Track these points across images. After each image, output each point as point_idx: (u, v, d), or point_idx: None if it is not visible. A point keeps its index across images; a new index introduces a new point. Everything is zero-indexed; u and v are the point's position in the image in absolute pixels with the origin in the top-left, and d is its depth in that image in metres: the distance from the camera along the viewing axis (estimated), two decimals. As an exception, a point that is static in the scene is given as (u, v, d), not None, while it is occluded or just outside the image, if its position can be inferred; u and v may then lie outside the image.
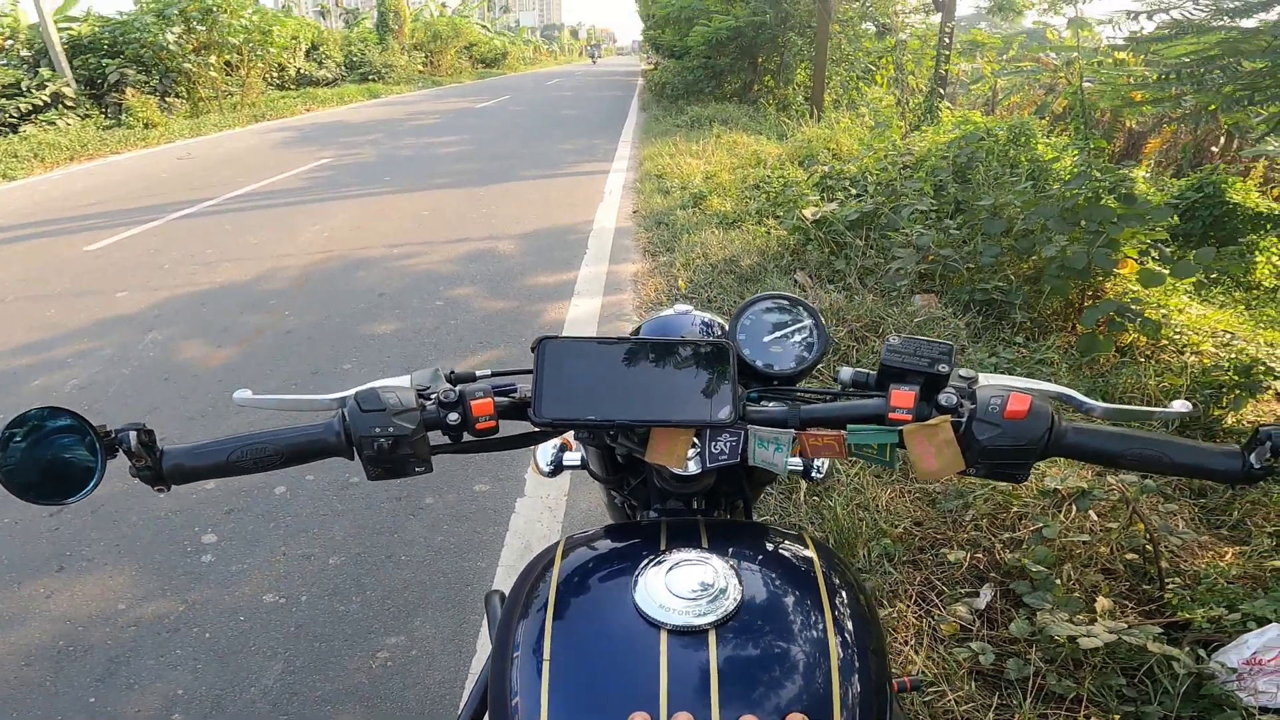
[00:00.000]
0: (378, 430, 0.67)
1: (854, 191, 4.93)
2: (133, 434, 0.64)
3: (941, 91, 9.07)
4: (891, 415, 0.69)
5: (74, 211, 6.64)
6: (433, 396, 0.72)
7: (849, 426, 0.70)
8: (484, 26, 36.30)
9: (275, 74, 17.33)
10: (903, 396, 0.69)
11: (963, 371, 0.72)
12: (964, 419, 0.67)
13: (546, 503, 2.44)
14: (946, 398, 0.69)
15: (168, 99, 13.06)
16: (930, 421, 0.68)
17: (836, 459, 0.74)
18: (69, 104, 11.37)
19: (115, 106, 12.00)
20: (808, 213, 4.36)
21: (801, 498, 2.24)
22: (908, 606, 1.81)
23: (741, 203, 5.73)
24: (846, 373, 0.78)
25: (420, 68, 25.07)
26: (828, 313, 3.49)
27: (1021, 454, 0.65)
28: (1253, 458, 0.62)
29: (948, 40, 8.70)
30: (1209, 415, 2.59)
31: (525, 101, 15.59)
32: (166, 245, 5.48)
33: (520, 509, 2.42)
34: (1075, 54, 6.31)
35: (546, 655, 0.61)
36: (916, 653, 1.67)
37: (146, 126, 11.59)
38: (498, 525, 2.35)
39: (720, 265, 4.39)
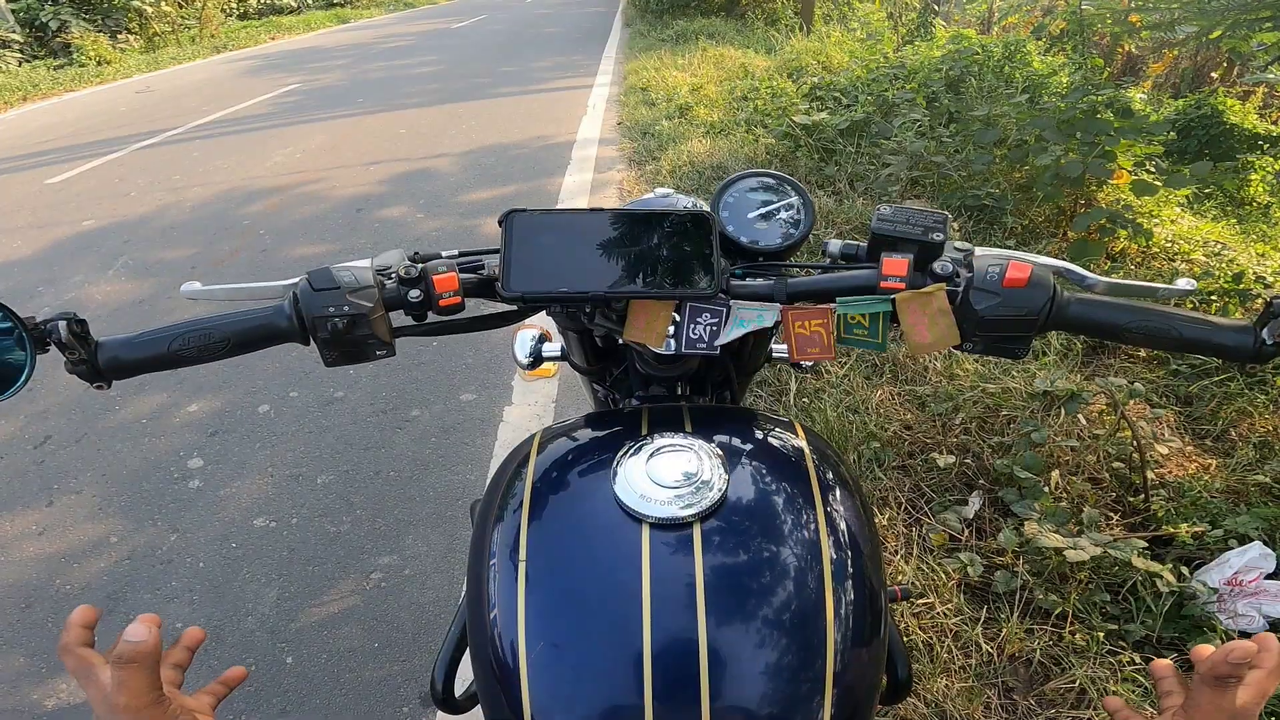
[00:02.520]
0: (331, 310, 0.63)
1: (844, 102, 4.80)
2: (62, 324, 0.59)
3: (935, 8, 8.74)
4: (883, 284, 0.65)
5: (32, 148, 6.34)
6: (393, 274, 0.67)
7: (839, 298, 0.66)
8: (456, -60, 34.13)
9: (235, 4, 16.56)
10: (895, 264, 0.65)
11: (958, 244, 0.68)
12: (960, 288, 0.63)
13: (535, 410, 2.42)
14: (942, 266, 0.65)
15: (119, 35, 12.40)
16: (925, 289, 0.64)
17: (826, 359, 0.69)
18: (16, 49, 10.83)
19: (64, 47, 11.41)
20: (798, 118, 4.24)
21: (791, 399, 2.23)
22: (898, 514, 1.82)
23: (729, 113, 5.56)
24: (835, 245, 0.74)
25: (391, -11, 23.82)
26: (818, 216, 3.45)
27: (1021, 325, 0.62)
28: (1265, 333, 0.58)
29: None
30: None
31: (504, 20, 14.86)
32: (131, 174, 5.28)
33: (508, 418, 2.41)
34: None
35: (523, 557, 0.58)
36: (906, 562, 1.68)
37: (99, 64, 11.07)
38: (485, 435, 2.33)
39: (708, 172, 4.28)
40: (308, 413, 2.47)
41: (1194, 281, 0.69)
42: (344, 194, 4.60)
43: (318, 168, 5.18)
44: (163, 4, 13.05)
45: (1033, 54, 5.56)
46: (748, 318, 0.67)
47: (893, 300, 0.64)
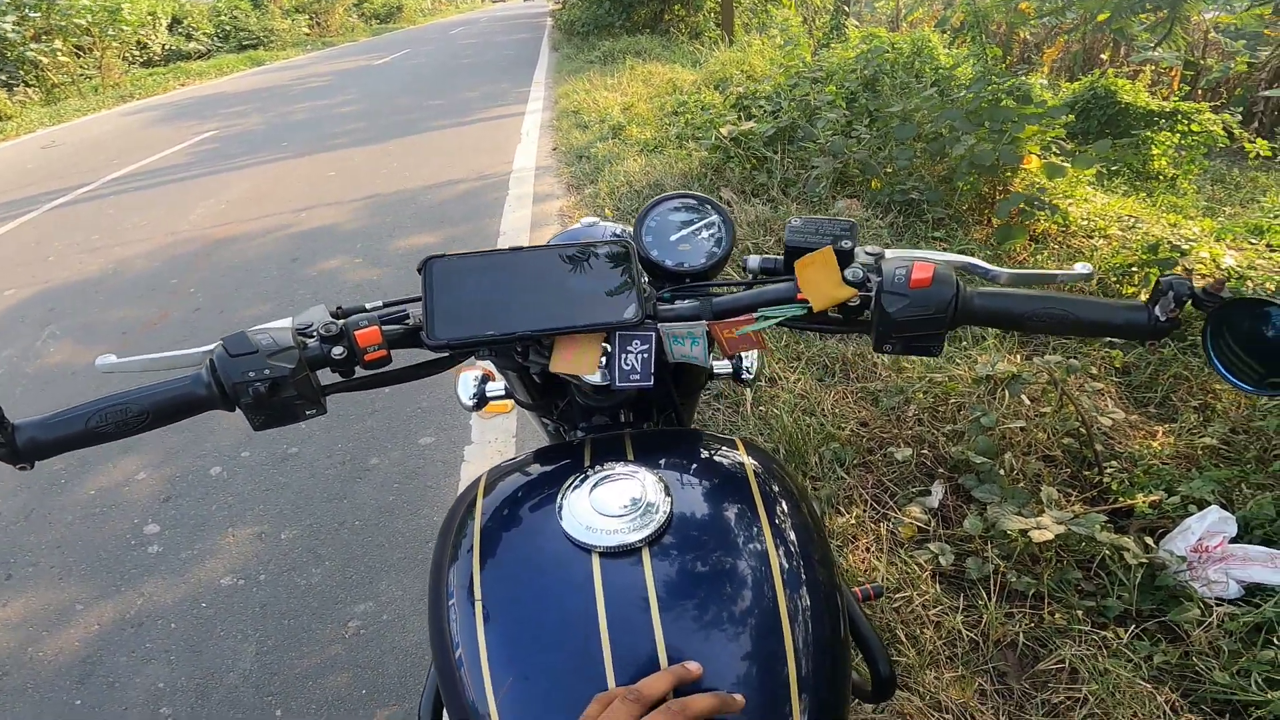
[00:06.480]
0: (251, 375, 0.62)
1: (769, 109, 4.93)
2: None
3: (846, 10, 9.07)
4: (800, 296, 0.69)
5: (-65, 214, 6.00)
6: (314, 332, 0.67)
7: (760, 310, 0.69)
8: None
9: (137, 52, 16.02)
10: None
11: (869, 248, 0.71)
12: (872, 293, 0.67)
13: (496, 446, 2.41)
14: (853, 272, 0.68)
15: (15, 88, 11.90)
16: (813, 252, 0.68)
17: (759, 350, 0.72)
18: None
19: (-42, 104, 10.86)
20: (725, 131, 4.34)
21: (748, 408, 2.26)
22: (864, 511, 1.84)
23: (661, 130, 5.65)
24: (754, 260, 0.78)
25: (306, 30, 23.37)
26: (754, 224, 3.52)
27: (931, 324, 0.65)
28: (1157, 310, 0.62)
29: (849, -45, 8.62)
30: (1122, 295, 2.72)
31: (428, 53, 14.74)
32: (47, 236, 5.05)
33: (469, 456, 2.39)
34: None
35: (479, 596, 0.59)
36: (878, 558, 1.70)
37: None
38: (449, 476, 2.31)
39: (645, 190, 4.33)
40: (262, 471, 2.40)
41: (1090, 266, 0.74)
42: (276, 244, 4.47)
43: (245, 218, 5.03)
44: (58, 55, 12.55)
45: (938, 48, 5.82)
46: (679, 334, 0.69)
47: (809, 306, 0.68)
